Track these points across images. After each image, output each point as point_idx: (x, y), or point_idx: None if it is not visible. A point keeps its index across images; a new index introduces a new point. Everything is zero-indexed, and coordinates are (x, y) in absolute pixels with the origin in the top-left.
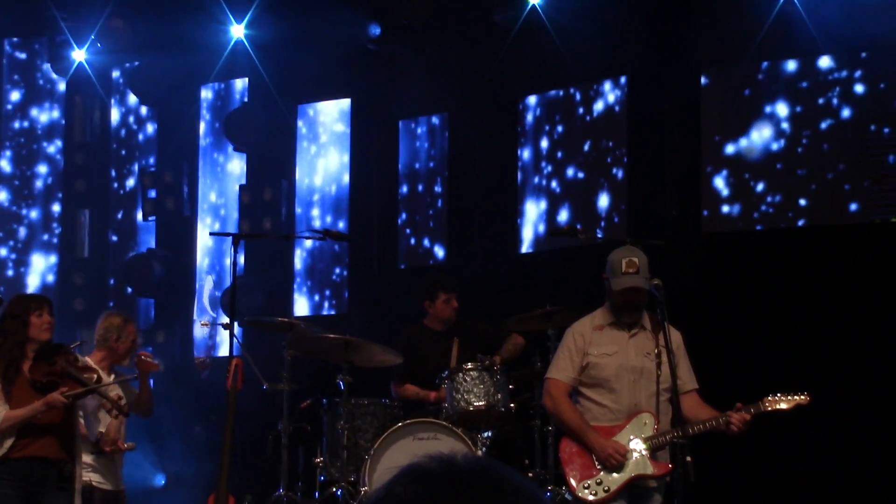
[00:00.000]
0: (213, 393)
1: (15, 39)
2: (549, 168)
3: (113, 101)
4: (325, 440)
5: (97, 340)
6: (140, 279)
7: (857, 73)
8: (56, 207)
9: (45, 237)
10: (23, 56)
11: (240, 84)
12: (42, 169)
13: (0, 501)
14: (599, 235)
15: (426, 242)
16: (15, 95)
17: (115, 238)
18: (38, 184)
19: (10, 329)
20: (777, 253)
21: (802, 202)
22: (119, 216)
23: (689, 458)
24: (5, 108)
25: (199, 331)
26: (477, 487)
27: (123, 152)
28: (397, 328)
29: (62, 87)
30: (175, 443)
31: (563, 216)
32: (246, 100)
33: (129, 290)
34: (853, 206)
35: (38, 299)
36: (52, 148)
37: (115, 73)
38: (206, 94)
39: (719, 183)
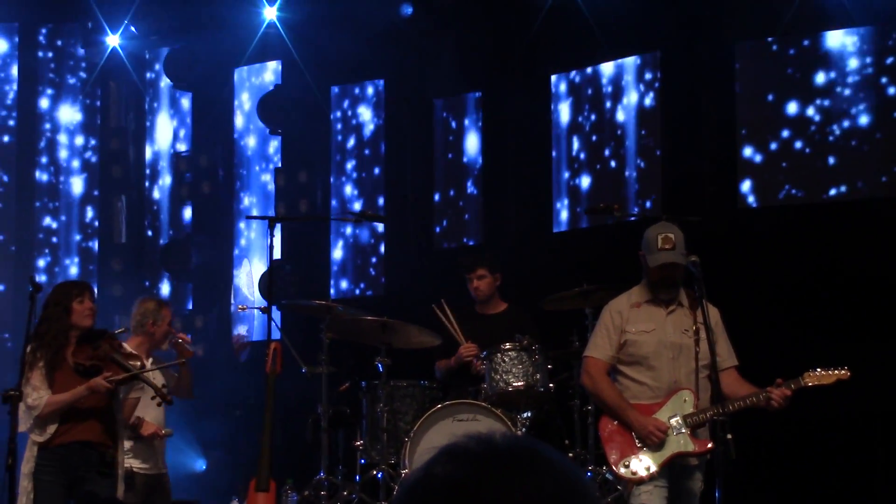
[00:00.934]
0: (253, 377)
1: (48, 26)
2: (584, 145)
3: (146, 86)
4: (364, 423)
5: (133, 327)
6: (177, 264)
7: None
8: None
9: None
10: (58, 43)
11: (273, 66)
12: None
13: (43, 488)
14: (635, 212)
15: (461, 223)
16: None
17: (152, 222)
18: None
19: (53, 316)
20: (814, 227)
21: (840, 176)
22: (155, 201)
23: (729, 436)
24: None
25: (238, 315)
26: (516, 466)
27: (159, 136)
28: (434, 310)
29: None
30: (215, 427)
31: (599, 194)
32: (279, 82)
33: (167, 274)
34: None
35: (79, 286)
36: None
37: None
38: (241, 75)
39: (755, 158)
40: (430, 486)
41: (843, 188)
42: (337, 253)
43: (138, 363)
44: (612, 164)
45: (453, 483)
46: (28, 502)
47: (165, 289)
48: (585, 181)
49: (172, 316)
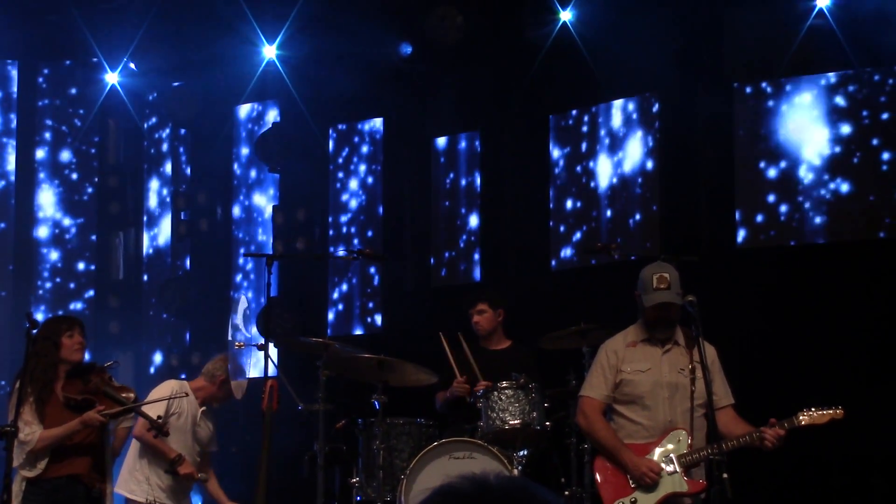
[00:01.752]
0: (249, 414)
1: (45, 67)
2: (582, 184)
3: (145, 123)
4: (360, 460)
5: (205, 371)
6: (175, 301)
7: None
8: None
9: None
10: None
11: (272, 109)
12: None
13: None
14: (633, 253)
15: (459, 261)
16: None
17: (149, 260)
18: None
19: (42, 351)
20: (812, 269)
21: (837, 218)
22: (153, 238)
23: (725, 475)
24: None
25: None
26: None
27: (157, 174)
28: (432, 347)
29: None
30: (212, 463)
31: (597, 233)
32: (278, 120)
33: (164, 314)
34: (888, 221)
35: (68, 320)
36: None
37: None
38: (241, 114)
39: (753, 199)
40: None
41: (840, 230)
42: (334, 291)
43: (131, 395)
44: (610, 203)
45: None
46: None
47: (161, 329)
48: (583, 220)
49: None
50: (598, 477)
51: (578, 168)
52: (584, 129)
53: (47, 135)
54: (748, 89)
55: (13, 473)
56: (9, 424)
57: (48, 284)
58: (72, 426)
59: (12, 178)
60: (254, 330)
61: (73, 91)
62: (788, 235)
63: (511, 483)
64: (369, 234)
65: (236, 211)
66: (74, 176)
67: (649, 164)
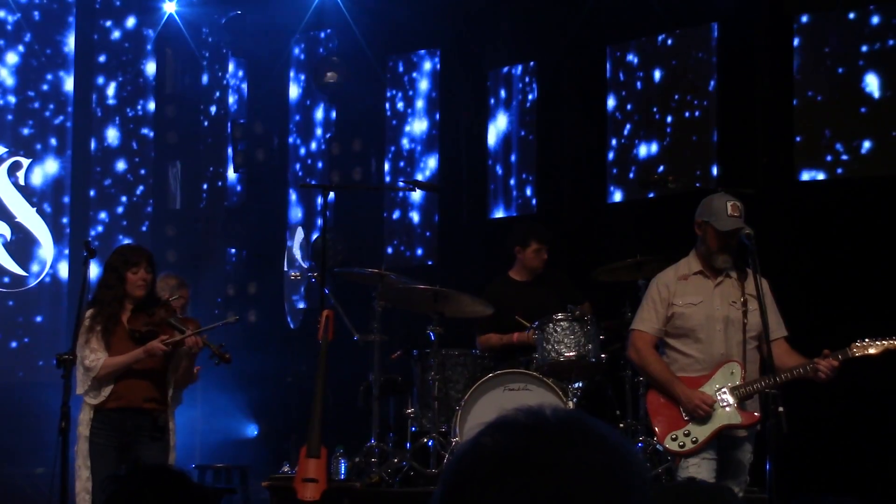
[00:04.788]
0: (305, 344)
1: None
2: (639, 116)
3: (202, 52)
4: (415, 391)
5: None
6: (232, 230)
7: None
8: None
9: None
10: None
11: (329, 39)
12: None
13: (97, 450)
14: (689, 185)
15: (515, 192)
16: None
17: (206, 189)
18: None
19: (110, 282)
20: (869, 201)
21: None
22: (210, 168)
23: (781, 409)
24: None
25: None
26: (565, 439)
27: (214, 104)
28: (487, 278)
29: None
30: (267, 394)
31: (653, 164)
32: (335, 50)
33: (222, 241)
34: None
35: (136, 255)
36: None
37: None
38: (298, 43)
39: (811, 130)
40: (479, 457)
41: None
42: (390, 221)
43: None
44: (667, 134)
45: (502, 453)
46: (84, 464)
47: (217, 258)
48: (640, 152)
49: (188, 298)
50: (651, 409)
51: (635, 98)
52: (642, 59)
53: (105, 63)
54: (806, 18)
55: (75, 401)
56: (67, 353)
57: (105, 213)
58: (136, 354)
59: (70, 107)
60: (309, 260)
61: (132, 19)
62: (846, 168)
63: (567, 416)
64: (425, 165)
65: (292, 141)
66: (131, 105)
67: (708, 97)
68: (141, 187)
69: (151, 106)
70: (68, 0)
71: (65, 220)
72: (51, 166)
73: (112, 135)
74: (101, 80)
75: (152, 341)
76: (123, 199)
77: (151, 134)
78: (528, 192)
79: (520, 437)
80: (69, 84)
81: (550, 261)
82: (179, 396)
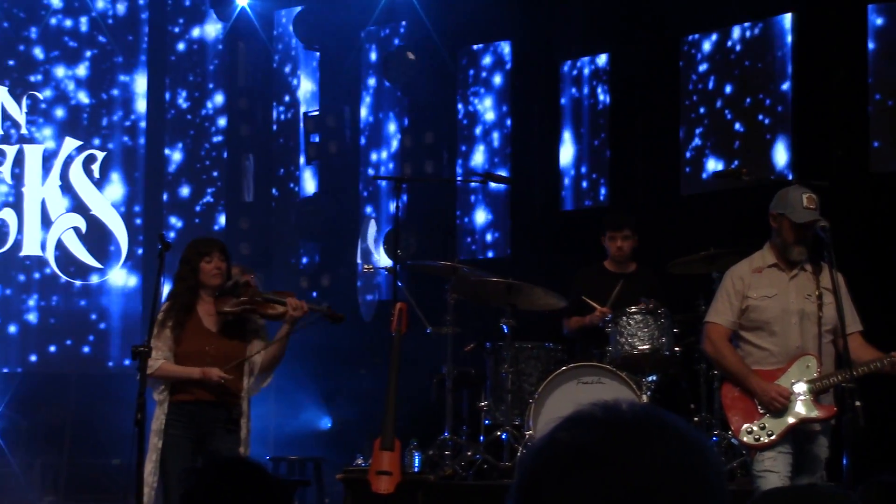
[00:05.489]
0: (378, 336)
1: None
2: (713, 107)
3: (275, 45)
4: (489, 384)
5: None
6: (305, 223)
7: None
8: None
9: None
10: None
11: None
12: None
13: (172, 442)
14: (763, 177)
15: (587, 185)
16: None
17: (278, 182)
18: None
19: (184, 275)
20: None
21: None
22: (282, 160)
23: (858, 403)
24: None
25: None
26: (641, 434)
27: (287, 97)
28: (560, 271)
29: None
30: (341, 386)
31: (727, 156)
32: (406, 42)
33: (295, 233)
34: None
35: (207, 244)
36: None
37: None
38: (369, 35)
39: (886, 122)
40: (555, 451)
41: None
42: (462, 214)
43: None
44: (741, 126)
45: (578, 448)
46: (150, 458)
47: (290, 251)
48: (714, 144)
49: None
50: (726, 402)
51: (709, 90)
52: (716, 50)
53: (177, 57)
54: (886, 9)
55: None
56: (142, 345)
57: (179, 206)
58: (191, 372)
59: (144, 99)
60: (382, 253)
61: (205, 15)
62: None
63: (644, 411)
64: (497, 156)
65: (364, 134)
66: (203, 98)
67: (782, 88)
68: (213, 180)
69: (222, 99)
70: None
71: (138, 213)
72: (125, 159)
73: (184, 128)
74: (173, 75)
75: (212, 369)
76: (196, 192)
77: (223, 127)
78: (601, 184)
79: (596, 432)
80: (142, 79)
81: (641, 260)
82: (268, 377)
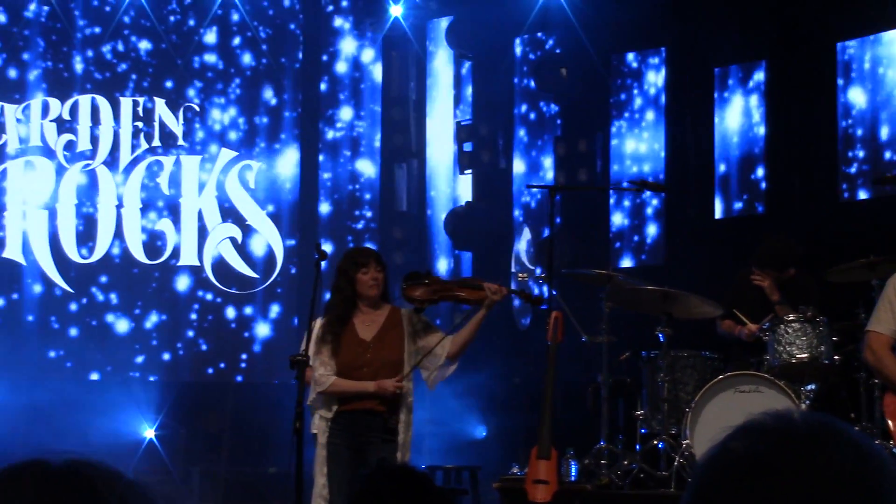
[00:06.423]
0: (532, 345)
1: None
2: (873, 112)
3: (427, 55)
4: (644, 392)
5: None
6: (459, 232)
7: None
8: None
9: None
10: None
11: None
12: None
13: (332, 449)
14: None
15: (743, 192)
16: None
17: (432, 191)
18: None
19: (340, 286)
20: None
21: None
22: (436, 170)
23: None
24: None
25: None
26: (815, 444)
27: (438, 107)
28: (715, 279)
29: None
30: (496, 394)
31: (888, 162)
32: (558, 50)
33: (450, 243)
34: None
35: (364, 255)
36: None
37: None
38: (521, 44)
39: None
40: (729, 462)
41: None
42: (616, 222)
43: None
44: None
45: (752, 458)
46: (319, 471)
47: (443, 260)
48: (874, 150)
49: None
50: (888, 411)
51: (867, 94)
52: (874, 54)
53: (331, 69)
54: None
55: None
56: (300, 354)
57: (332, 217)
58: (364, 387)
59: (298, 109)
60: (536, 262)
61: (359, 26)
62: None
63: (817, 420)
64: (651, 164)
65: (517, 142)
66: (357, 108)
67: None
68: (370, 191)
69: (377, 108)
70: (296, 7)
71: (293, 223)
72: (281, 170)
73: (338, 138)
74: (326, 86)
75: (386, 381)
76: (351, 201)
77: (378, 137)
78: (757, 191)
79: (769, 441)
80: (297, 89)
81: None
82: (455, 364)
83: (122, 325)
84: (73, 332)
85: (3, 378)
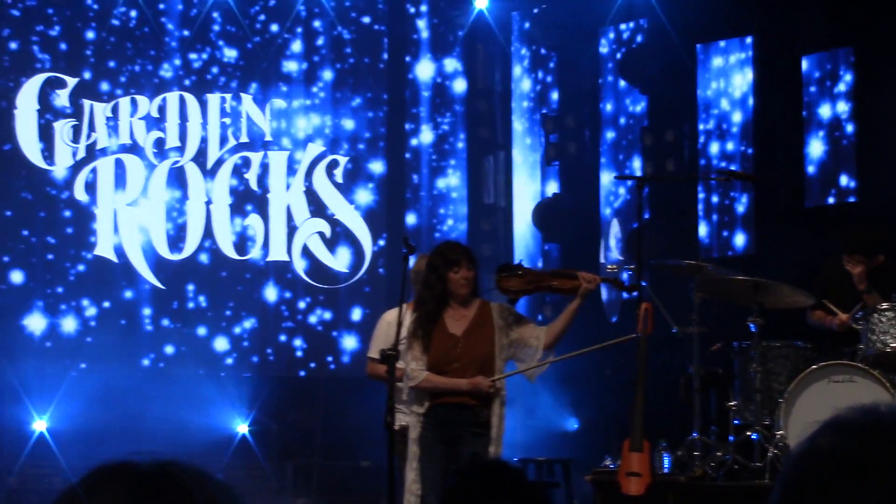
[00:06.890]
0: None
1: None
2: None
3: (512, 47)
4: (737, 383)
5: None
6: (547, 224)
7: None
8: None
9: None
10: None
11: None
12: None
13: (424, 444)
14: None
15: (833, 181)
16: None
17: (517, 183)
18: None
19: (431, 282)
20: None
21: None
22: (521, 161)
23: None
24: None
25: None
26: None
27: (524, 99)
28: (807, 268)
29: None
30: (587, 387)
31: None
32: (644, 40)
33: (538, 234)
34: None
35: (455, 253)
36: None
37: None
38: (607, 34)
39: None
40: (817, 458)
41: None
42: (706, 212)
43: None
44: None
45: (840, 454)
46: (410, 466)
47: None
48: None
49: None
50: None
51: None
52: None
53: (416, 62)
54: None
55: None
56: (391, 348)
57: (418, 209)
58: (457, 385)
59: (384, 108)
60: (625, 253)
61: (443, 18)
62: None
63: None
64: (739, 154)
65: (604, 133)
66: (443, 102)
67: None
68: (455, 183)
69: (462, 102)
70: (380, 6)
71: (381, 217)
72: (368, 164)
73: (425, 131)
74: (414, 81)
75: (481, 379)
76: (438, 194)
77: (463, 129)
78: (847, 181)
79: (857, 437)
80: (384, 84)
81: (891, 256)
82: (552, 353)
83: (211, 323)
84: (165, 328)
85: (98, 377)
